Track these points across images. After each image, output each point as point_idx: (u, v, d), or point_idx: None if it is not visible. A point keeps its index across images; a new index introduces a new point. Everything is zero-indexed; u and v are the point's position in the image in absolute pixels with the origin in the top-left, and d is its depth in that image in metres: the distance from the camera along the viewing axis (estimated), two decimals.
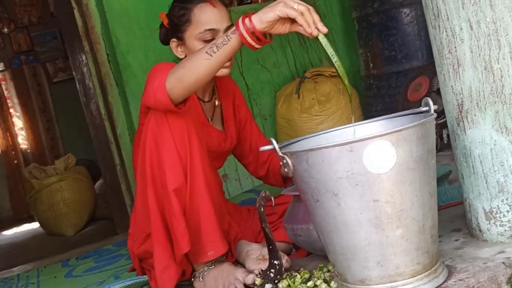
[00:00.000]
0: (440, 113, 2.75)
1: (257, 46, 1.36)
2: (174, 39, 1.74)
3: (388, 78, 3.18)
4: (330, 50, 1.34)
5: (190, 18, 1.69)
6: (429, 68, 2.93)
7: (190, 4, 1.70)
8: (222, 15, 1.69)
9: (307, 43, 3.62)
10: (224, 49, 1.39)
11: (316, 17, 1.32)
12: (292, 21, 1.33)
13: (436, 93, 2.78)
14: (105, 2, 2.95)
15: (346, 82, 1.36)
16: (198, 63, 1.42)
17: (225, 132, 1.83)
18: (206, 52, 1.40)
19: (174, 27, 1.74)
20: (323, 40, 1.34)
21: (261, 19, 1.33)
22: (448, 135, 2.85)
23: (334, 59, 1.34)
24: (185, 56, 1.71)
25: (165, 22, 1.77)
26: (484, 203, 1.43)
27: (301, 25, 1.32)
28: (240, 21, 1.35)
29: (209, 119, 1.83)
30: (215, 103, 1.86)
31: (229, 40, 1.38)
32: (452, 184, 2.14)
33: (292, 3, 1.31)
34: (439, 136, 2.88)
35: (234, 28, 1.37)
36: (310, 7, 1.33)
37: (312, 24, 1.31)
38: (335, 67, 1.36)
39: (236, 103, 1.93)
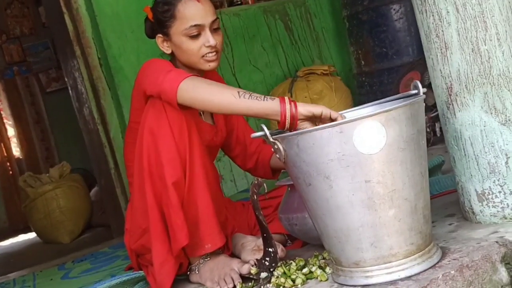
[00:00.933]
0: (432, 106, 2.79)
1: (286, 127, 1.39)
2: (160, 35, 1.72)
3: (380, 74, 3.20)
4: None
5: (174, 14, 1.66)
6: (420, 63, 2.95)
7: (174, 0, 1.67)
8: (207, 10, 1.66)
9: (298, 43, 3.64)
10: (254, 102, 1.42)
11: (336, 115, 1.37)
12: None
13: (428, 87, 2.79)
14: (95, 6, 2.97)
15: None
16: (224, 93, 1.46)
17: (215, 126, 1.84)
18: (238, 91, 1.44)
19: (159, 23, 1.71)
20: None
21: (306, 108, 1.38)
22: (441, 128, 2.86)
23: None
24: (172, 52, 1.71)
25: (150, 16, 1.73)
26: (476, 185, 1.43)
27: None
28: (286, 102, 1.39)
29: (201, 114, 1.83)
30: None
31: (264, 100, 1.41)
32: (445, 174, 2.14)
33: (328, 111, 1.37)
34: (432, 130, 2.89)
35: (274, 98, 1.41)
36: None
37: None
38: None
39: None
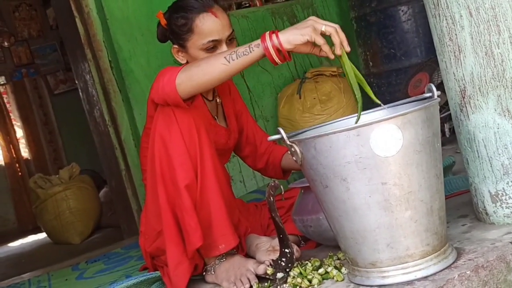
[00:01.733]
0: (442, 107, 2.80)
1: (279, 62, 1.39)
2: (176, 46, 1.75)
3: (388, 75, 3.22)
4: (348, 66, 1.38)
5: (192, 29, 1.68)
6: (429, 64, 2.97)
7: (191, 13, 1.68)
8: (224, 25, 1.69)
9: None
10: (244, 58, 1.41)
11: (343, 37, 1.35)
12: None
13: (437, 88, 2.81)
14: (106, 9, 3.00)
15: (358, 95, 1.39)
16: (214, 66, 1.45)
17: (229, 129, 1.86)
18: (225, 57, 1.43)
19: (174, 35, 1.73)
20: (345, 60, 1.37)
21: (289, 40, 1.35)
22: (450, 129, 2.88)
23: (351, 74, 1.38)
24: (187, 62, 1.74)
25: (163, 22, 1.75)
26: (490, 186, 1.45)
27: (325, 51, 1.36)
28: (267, 36, 1.37)
29: (215, 118, 1.86)
30: (217, 101, 1.89)
31: (251, 52, 1.40)
32: (456, 175, 2.16)
33: (320, 25, 1.34)
34: (441, 130, 2.90)
35: (258, 41, 1.39)
36: (337, 27, 1.36)
37: (339, 45, 1.35)
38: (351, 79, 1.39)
39: (232, 97, 1.96)
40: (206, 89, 1.53)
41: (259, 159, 1.96)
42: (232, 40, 1.71)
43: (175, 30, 1.71)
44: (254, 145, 1.95)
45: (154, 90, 1.54)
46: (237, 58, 1.41)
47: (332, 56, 1.36)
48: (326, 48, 1.35)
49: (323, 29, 1.34)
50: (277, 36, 1.37)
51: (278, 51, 1.37)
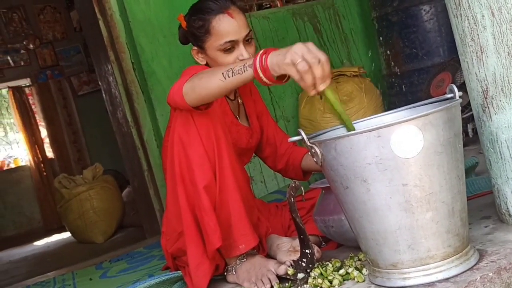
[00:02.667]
0: (464, 107, 2.77)
1: (269, 82, 1.36)
2: (195, 47, 1.78)
3: (410, 75, 3.20)
4: (333, 101, 1.30)
5: (209, 30, 1.70)
6: (451, 64, 2.94)
7: (208, 15, 1.70)
8: (240, 25, 1.70)
9: (327, 45, 3.66)
10: (238, 77, 1.41)
11: (319, 73, 1.25)
12: None
13: (459, 88, 2.78)
14: (129, 12, 3.04)
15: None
16: (212, 81, 1.45)
17: (251, 128, 1.88)
18: (222, 73, 1.43)
19: (193, 37, 1.76)
20: (329, 95, 1.29)
21: (274, 68, 1.32)
22: (473, 129, 2.85)
23: (339, 108, 1.32)
24: (206, 63, 1.77)
25: (183, 24, 1.78)
26: None
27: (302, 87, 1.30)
28: (258, 59, 1.35)
29: (237, 117, 1.87)
30: (238, 100, 1.91)
31: (244, 71, 1.39)
32: (479, 176, 2.14)
33: (297, 56, 1.25)
34: (464, 131, 2.88)
35: (251, 62, 1.37)
36: (322, 59, 1.24)
37: (310, 87, 1.26)
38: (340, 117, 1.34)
39: (253, 98, 1.97)
40: (209, 100, 1.53)
41: (279, 160, 1.97)
42: (250, 41, 1.72)
43: (193, 32, 1.74)
44: (275, 146, 1.96)
45: (169, 98, 1.56)
46: (232, 76, 1.41)
47: (310, 93, 1.28)
48: (301, 83, 1.27)
49: (298, 61, 1.24)
50: (266, 59, 1.34)
51: (266, 71, 1.34)
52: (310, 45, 1.27)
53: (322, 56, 1.25)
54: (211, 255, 1.60)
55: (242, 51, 1.69)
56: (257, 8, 3.56)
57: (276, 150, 1.96)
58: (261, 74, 1.35)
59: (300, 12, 3.60)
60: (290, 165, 1.95)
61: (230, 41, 1.69)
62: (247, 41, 1.71)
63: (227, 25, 1.69)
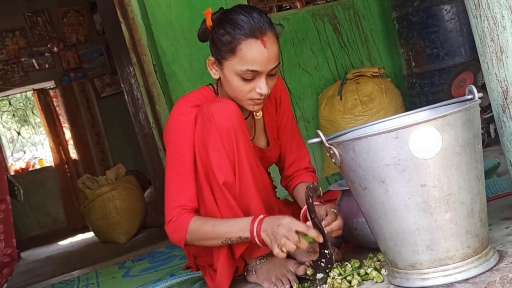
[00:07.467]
0: (486, 107, 2.75)
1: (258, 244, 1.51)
2: (212, 58, 1.60)
3: (431, 76, 3.18)
4: None
5: (235, 50, 1.50)
6: (473, 64, 2.92)
7: (239, 34, 1.50)
8: (270, 57, 1.50)
9: (347, 46, 3.65)
10: (236, 244, 1.58)
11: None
12: None
13: (481, 88, 2.76)
14: (150, 15, 3.08)
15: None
16: (214, 241, 1.57)
17: (269, 149, 1.80)
18: (221, 241, 1.55)
19: (215, 47, 1.56)
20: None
21: (266, 234, 1.47)
22: (495, 130, 2.82)
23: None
24: (219, 79, 1.62)
25: (208, 23, 1.58)
26: None
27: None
28: (255, 231, 1.49)
29: (251, 138, 1.74)
30: (255, 116, 1.76)
31: (242, 241, 1.54)
32: (501, 177, 2.12)
33: (279, 238, 1.43)
34: (486, 131, 2.85)
35: (248, 235, 1.50)
36: (303, 247, 1.44)
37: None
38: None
39: (282, 108, 1.82)
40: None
41: (283, 179, 1.91)
42: (274, 75, 1.56)
43: (217, 43, 1.55)
44: (283, 167, 1.89)
45: (169, 233, 1.64)
46: (231, 242, 1.56)
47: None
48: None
49: (275, 248, 1.44)
50: (259, 234, 1.48)
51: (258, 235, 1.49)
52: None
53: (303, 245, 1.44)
54: (238, 255, 1.62)
55: (261, 85, 1.53)
56: (277, 10, 3.58)
57: (282, 171, 1.91)
58: (257, 241, 1.50)
59: (320, 13, 3.60)
60: (288, 188, 1.90)
61: (252, 71, 1.51)
62: (270, 75, 1.55)
63: (256, 54, 1.49)
